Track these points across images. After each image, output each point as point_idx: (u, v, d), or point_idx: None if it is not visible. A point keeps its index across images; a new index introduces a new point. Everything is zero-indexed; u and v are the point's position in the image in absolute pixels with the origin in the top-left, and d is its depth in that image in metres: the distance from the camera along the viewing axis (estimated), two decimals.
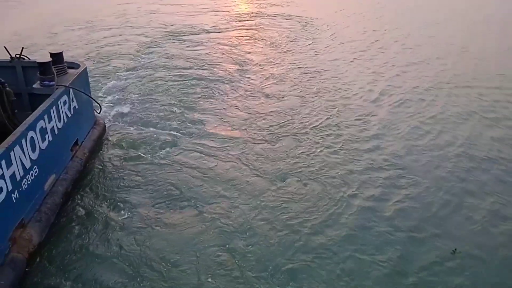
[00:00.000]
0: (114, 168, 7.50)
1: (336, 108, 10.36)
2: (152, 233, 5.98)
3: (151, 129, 9.01)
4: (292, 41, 16.73)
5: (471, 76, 12.90)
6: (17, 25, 18.41)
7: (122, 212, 6.39)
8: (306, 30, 18.49)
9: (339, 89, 11.66)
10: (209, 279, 5.24)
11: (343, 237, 5.98)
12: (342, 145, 8.56)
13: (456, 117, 10.12)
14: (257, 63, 13.84)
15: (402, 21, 20.43)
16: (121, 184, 7.06)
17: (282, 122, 9.45)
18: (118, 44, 15.82)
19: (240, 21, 20.38)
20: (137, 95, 10.94)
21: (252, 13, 22.22)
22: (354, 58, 14.60)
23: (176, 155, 8.02)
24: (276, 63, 13.89)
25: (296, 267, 5.44)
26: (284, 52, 15.23)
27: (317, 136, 8.89)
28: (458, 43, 16.60)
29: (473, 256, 5.73)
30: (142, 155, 7.96)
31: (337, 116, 9.88)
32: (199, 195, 6.85)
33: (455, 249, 5.78)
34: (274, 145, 8.47)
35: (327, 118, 9.75)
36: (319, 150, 8.34)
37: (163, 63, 13.66)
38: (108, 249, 5.67)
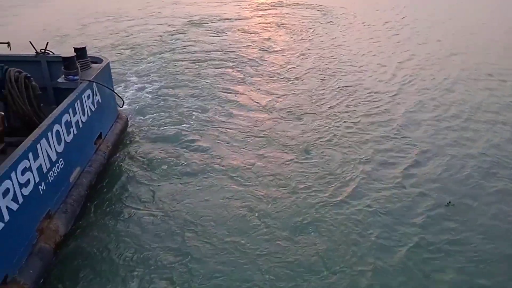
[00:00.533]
0: (137, 161, 7.60)
1: (352, 88, 10.98)
2: (177, 225, 6.05)
3: (175, 118, 9.24)
4: (311, 28, 16.96)
5: (493, 66, 12.79)
6: (48, 17, 18.98)
7: (146, 204, 6.49)
8: (326, 19, 18.62)
9: (356, 71, 12.19)
10: (243, 240, 5.77)
11: (356, 192, 6.86)
12: (358, 120, 9.31)
13: (465, 90, 10.83)
14: (277, 49, 14.31)
15: (425, 12, 19.99)
16: (144, 176, 7.16)
17: (302, 103, 10.11)
18: (142, 33, 16.33)
19: (262, 10, 20.74)
20: (160, 84, 11.22)
21: (274, 2, 22.46)
22: (371, 43, 14.92)
23: (202, 140, 8.31)
24: (296, 49, 14.26)
25: (319, 219, 6.20)
26: (304, 39, 15.54)
27: (334, 114, 9.56)
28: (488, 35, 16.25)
29: (466, 207, 6.47)
30: (165, 146, 8.06)
31: (353, 96, 10.54)
32: (229, 167, 7.40)
33: (449, 202, 6.54)
34: (296, 122, 9.18)
35: (344, 98, 10.45)
36: (336, 125, 9.04)
37: (186, 51, 14.14)
38: (131, 239, 5.77)
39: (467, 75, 11.92)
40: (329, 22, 18.10)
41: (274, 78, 11.70)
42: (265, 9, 20.92)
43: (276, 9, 20.86)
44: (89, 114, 6.84)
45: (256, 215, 6.26)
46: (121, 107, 8.52)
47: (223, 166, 7.47)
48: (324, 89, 10.96)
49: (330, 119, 9.29)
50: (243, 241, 5.75)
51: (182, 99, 10.27)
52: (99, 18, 18.85)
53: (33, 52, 7.52)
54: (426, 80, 11.59)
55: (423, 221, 6.17)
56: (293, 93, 10.64)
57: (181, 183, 7.00)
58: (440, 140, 8.46)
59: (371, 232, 5.94)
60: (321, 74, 11.97)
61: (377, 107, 9.96)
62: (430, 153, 7.99)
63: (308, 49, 14.28)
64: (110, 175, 7.18)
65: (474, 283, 5.16)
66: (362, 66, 12.66)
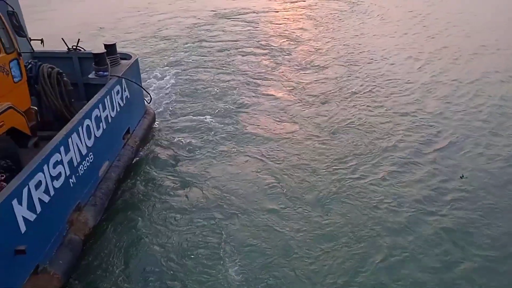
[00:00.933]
0: (164, 156, 7.70)
1: (379, 77, 11.28)
2: (203, 221, 6.10)
3: (202, 108, 9.52)
4: (339, 20, 17.17)
5: None
6: (84, 12, 19.74)
7: (172, 198, 6.57)
8: (353, 11, 18.65)
9: (383, 61, 12.39)
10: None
11: (379, 168, 7.37)
12: (382, 105, 9.66)
13: (493, 82, 10.76)
14: (305, 39, 14.69)
15: (457, 6, 19.38)
16: (171, 171, 7.25)
17: (329, 89, 10.56)
18: (173, 26, 16.95)
19: (290, 2, 21.07)
20: (188, 75, 11.61)
21: None
22: (401, 35, 14.98)
23: (229, 127, 8.69)
24: (323, 40, 14.62)
25: (340, 194, 6.64)
26: (331, 30, 15.82)
27: (358, 100, 9.93)
28: None
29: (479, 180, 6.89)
30: (192, 141, 8.16)
31: (376, 83, 10.85)
32: (258, 151, 7.83)
33: (463, 175, 7.03)
34: (322, 107, 9.63)
35: (368, 85, 10.75)
36: (360, 110, 9.42)
37: (216, 41, 14.70)
38: (158, 233, 5.85)
39: (498, 69, 11.67)
40: (357, 14, 18.15)
41: (302, 66, 12.15)
42: (294, 1, 21.22)
43: (305, 1, 21.11)
44: (118, 109, 6.97)
45: (285, 190, 6.74)
46: (149, 102, 8.64)
47: (251, 149, 7.92)
48: (350, 77, 11.31)
49: (353, 105, 9.66)
50: (273, 218, 6.14)
51: (210, 88, 10.68)
52: (132, 12, 19.59)
53: (65, 49, 7.71)
54: (456, 72, 11.54)
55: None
56: (320, 81, 11.06)
57: (209, 174, 7.10)
58: (462, 128, 8.66)
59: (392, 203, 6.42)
60: (348, 63, 12.26)
61: (405, 95, 10.17)
62: (454, 140, 8.21)
63: (335, 40, 14.53)
64: (138, 169, 7.31)
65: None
66: (390, 57, 12.78)
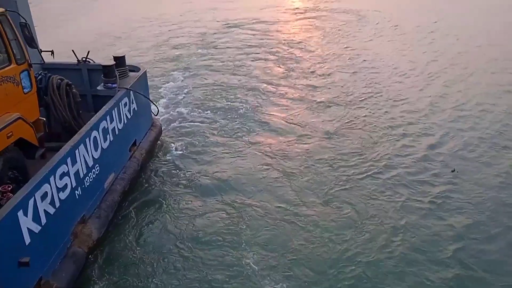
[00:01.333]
0: (169, 170, 7.69)
1: (379, 83, 11.77)
2: (206, 235, 6.04)
3: (209, 120, 9.60)
4: (346, 31, 17.60)
5: None
6: (99, 23, 20.16)
7: (177, 212, 6.52)
8: (360, 22, 19.10)
9: (384, 69, 12.90)
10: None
11: (379, 154, 8.14)
12: (380, 108, 10.19)
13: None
14: (313, 49, 15.27)
15: (459, 18, 19.43)
16: (176, 185, 7.22)
17: (334, 95, 10.95)
18: (183, 35, 17.54)
19: (299, 13, 21.79)
20: (197, 83, 11.97)
21: (309, 7, 23.22)
22: (402, 44, 15.50)
23: (237, 133, 8.96)
24: (330, 49, 15.11)
25: (348, 184, 7.22)
26: (337, 40, 16.29)
27: (357, 105, 10.39)
28: None
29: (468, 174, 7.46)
30: (197, 155, 8.14)
31: (380, 89, 11.32)
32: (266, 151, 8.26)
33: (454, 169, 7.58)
34: (327, 111, 10.11)
35: (371, 91, 11.22)
36: (363, 113, 9.92)
37: (226, 49, 15.23)
38: (163, 247, 5.80)
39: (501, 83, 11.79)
40: (363, 25, 18.54)
41: (309, 72, 12.73)
42: (302, 13, 21.83)
43: (313, 13, 21.55)
44: (125, 121, 6.99)
45: (290, 184, 7.24)
46: (156, 115, 8.67)
47: (257, 150, 8.31)
48: (354, 83, 11.80)
49: (357, 108, 10.19)
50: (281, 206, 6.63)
51: (221, 93, 11.09)
52: (144, 23, 20.12)
53: (75, 60, 7.77)
54: (451, 77, 12.05)
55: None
56: (326, 86, 11.55)
57: (217, 188, 7.09)
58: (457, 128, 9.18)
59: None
60: (352, 71, 12.73)
61: (402, 99, 10.68)
62: (448, 137, 8.79)
63: (342, 49, 14.97)
64: (143, 182, 7.30)
65: None
66: (392, 64, 13.27)
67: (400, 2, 23.62)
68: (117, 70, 7.16)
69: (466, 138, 8.68)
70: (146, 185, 7.23)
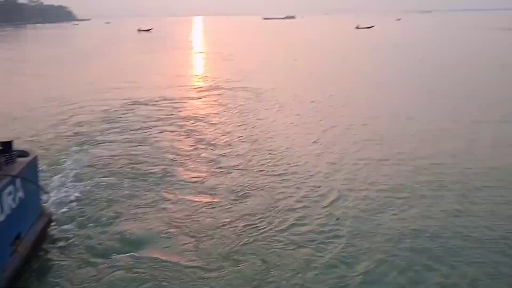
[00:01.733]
0: (58, 265, 6.92)
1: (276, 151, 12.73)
2: None
3: (107, 212, 8.75)
4: (244, 106, 19.09)
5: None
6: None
7: None
8: (257, 98, 20.78)
9: (277, 139, 14.00)
10: None
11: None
12: (276, 173, 11.18)
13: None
14: (213, 121, 16.31)
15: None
16: (64, 284, 6.47)
17: (235, 163, 11.52)
18: (85, 114, 17.38)
19: (203, 91, 23.27)
20: (95, 163, 11.43)
21: (212, 86, 24.72)
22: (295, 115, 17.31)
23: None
24: (229, 122, 16.23)
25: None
26: (238, 114, 17.48)
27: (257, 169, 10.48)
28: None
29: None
30: (90, 240, 7.55)
31: (272, 156, 12.28)
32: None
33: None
34: (228, 176, 10.81)
35: (267, 159, 11.99)
36: (261, 177, 10.76)
37: (129, 130, 14.99)
38: None
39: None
40: (260, 101, 20.25)
41: (211, 143, 13.37)
42: (206, 91, 23.26)
43: (215, 91, 22.96)
44: (9, 212, 6.28)
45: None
46: (46, 203, 7.96)
47: None
48: (254, 151, 12.59)
49: (257, 172, 10.91)
50: None
51: (124, 167, 11.02)
52: (44, 103, 19.48)
53: None
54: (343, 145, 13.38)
55: None
56: (227, 155, 12.19)
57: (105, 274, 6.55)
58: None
59: None
60: (251, 141, 13.62)
61: (296, 164, 11.53)
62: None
63: (242, 122, 16.08)
64: (27, 281, 6.43)
65: None
66: (285, 133, 14.68)
67: (296, 79, 26.54)
68: (2, 156, 6.56)
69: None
70: (30, 284, 6.37)
